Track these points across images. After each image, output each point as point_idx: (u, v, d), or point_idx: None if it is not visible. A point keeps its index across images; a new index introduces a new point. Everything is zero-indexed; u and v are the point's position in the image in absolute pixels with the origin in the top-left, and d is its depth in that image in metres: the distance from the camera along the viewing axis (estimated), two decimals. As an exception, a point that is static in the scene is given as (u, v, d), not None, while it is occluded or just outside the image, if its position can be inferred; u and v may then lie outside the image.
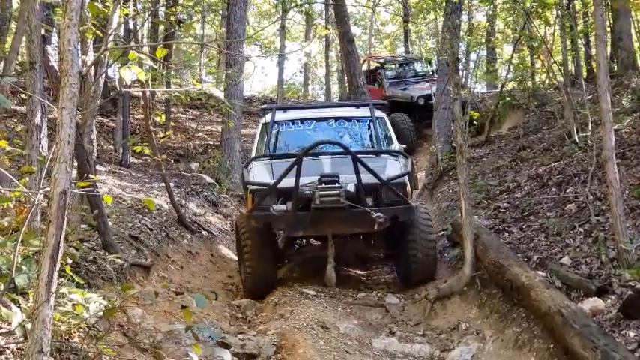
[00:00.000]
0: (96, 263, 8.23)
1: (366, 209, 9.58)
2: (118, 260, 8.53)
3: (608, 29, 20.01)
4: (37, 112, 6.78)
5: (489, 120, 18.63)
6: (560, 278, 8.63)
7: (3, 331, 4.70)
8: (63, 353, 5.20)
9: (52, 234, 3.35)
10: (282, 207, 9.76)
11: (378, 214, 9.59)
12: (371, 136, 11.84)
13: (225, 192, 16.24)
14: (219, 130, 20.08)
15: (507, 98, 18.43)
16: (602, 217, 9.96)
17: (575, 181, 11.80)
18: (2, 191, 4.15)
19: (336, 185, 9.52)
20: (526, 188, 12.84)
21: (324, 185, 9.54)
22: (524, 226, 10.87)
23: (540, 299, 7.79)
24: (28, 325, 4.65)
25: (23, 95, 18.58)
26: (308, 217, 9.67)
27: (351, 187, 9.56)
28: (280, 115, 11.90)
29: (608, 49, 21.53)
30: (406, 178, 10.36)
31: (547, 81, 21.14)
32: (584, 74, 20.59)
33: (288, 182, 9.52)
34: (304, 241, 11.23)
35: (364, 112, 12.07)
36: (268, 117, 11.90)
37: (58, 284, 5.48)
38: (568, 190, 11.67)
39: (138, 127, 21.17)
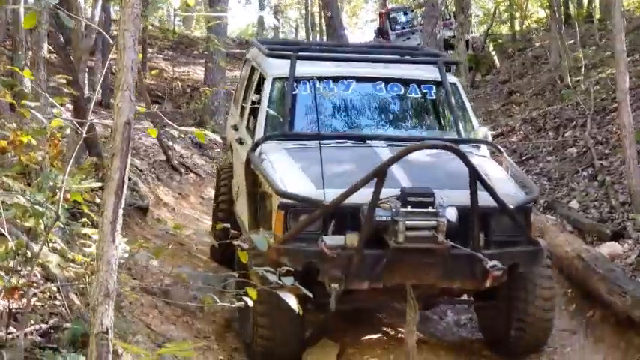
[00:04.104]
0: (96, 204, 7.93)
1: (476, 254, 5.78)
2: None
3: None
4: (43, 44, 6.41)
5: (476, 63, 18.42)
6: (571, 223, 8.54)
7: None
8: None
9: (117, 168, 3.07)
10: (339, 239, 5.87)
11: (495, 262, 5.74)
12: (440, 114, 7.63)
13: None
14: (198, 71, 19.65)
15: (499, 40, 18.21)
16: (606, 161, 9.86)
17: (573, 125, 11.70)
18: (42, 121, 3.82)
19: (431, 210, 5.70)
20: (522, 132, 12.73)
21: (410, 209, 5.68)
22: (524, 170, 10.74)
23: (555, 243, 7.66)
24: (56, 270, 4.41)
25: None
26: (382, 261, 5.81)
27: (452, 215, 5.77)
28: (302, 68, 7.14)
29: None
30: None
31: (528, 26, 20.96)
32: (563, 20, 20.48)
33: (339, 192, 5.66)
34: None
35: (428, 72, 7.63)
36: (278, 67, 7.39)
37: (79, 224, 5.23)
38: (566, 134, 11.57)
39: (115, 67, 20.61)
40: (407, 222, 5.59)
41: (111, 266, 3.03)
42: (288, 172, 6.26)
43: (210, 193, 13.08)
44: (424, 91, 7.49)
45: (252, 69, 8.28)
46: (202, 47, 16.99)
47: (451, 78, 7.61)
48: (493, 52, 19.51)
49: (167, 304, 7.06)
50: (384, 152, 6.39)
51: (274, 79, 7.35)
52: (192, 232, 9.94)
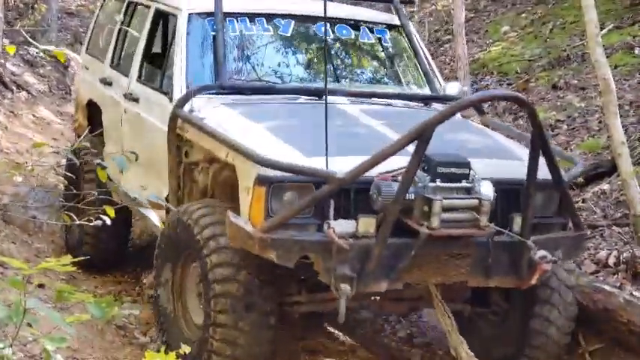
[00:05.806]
0: None
1: (527, 242, 4.39)
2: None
3: None
4: None
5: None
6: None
7: None
8: None
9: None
10: (349, 225, 4.26)
11: (543, 252, 4.37)
12: (399, 64, 6.25)
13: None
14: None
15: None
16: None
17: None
18: None
19: (467, 185, 4.34)
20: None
21: (441, 183, 4.25)
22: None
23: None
24: None
25: None
26: (409, 254, 4.31)
27: (489, 191, 4.33)
28: (227, 2, 5.56)
29: None
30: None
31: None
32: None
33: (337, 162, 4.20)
34: None
35: (379, 14, 6.50)
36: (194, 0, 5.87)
37: None
38: (402, 64, 11.94)
39: None
40: (446, 200, 4.18)
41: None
42: (254, 134, 4.63)
43: (42, 112, 12.73)
44: (377, 36, 6.15)
45: (132, 3, 6.64)
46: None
47: (408, 23, 6.35)
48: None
49: (6, 223, 7.00)
50: (353, 110, 5.22)
51: (191, 16, 5.66)
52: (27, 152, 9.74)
